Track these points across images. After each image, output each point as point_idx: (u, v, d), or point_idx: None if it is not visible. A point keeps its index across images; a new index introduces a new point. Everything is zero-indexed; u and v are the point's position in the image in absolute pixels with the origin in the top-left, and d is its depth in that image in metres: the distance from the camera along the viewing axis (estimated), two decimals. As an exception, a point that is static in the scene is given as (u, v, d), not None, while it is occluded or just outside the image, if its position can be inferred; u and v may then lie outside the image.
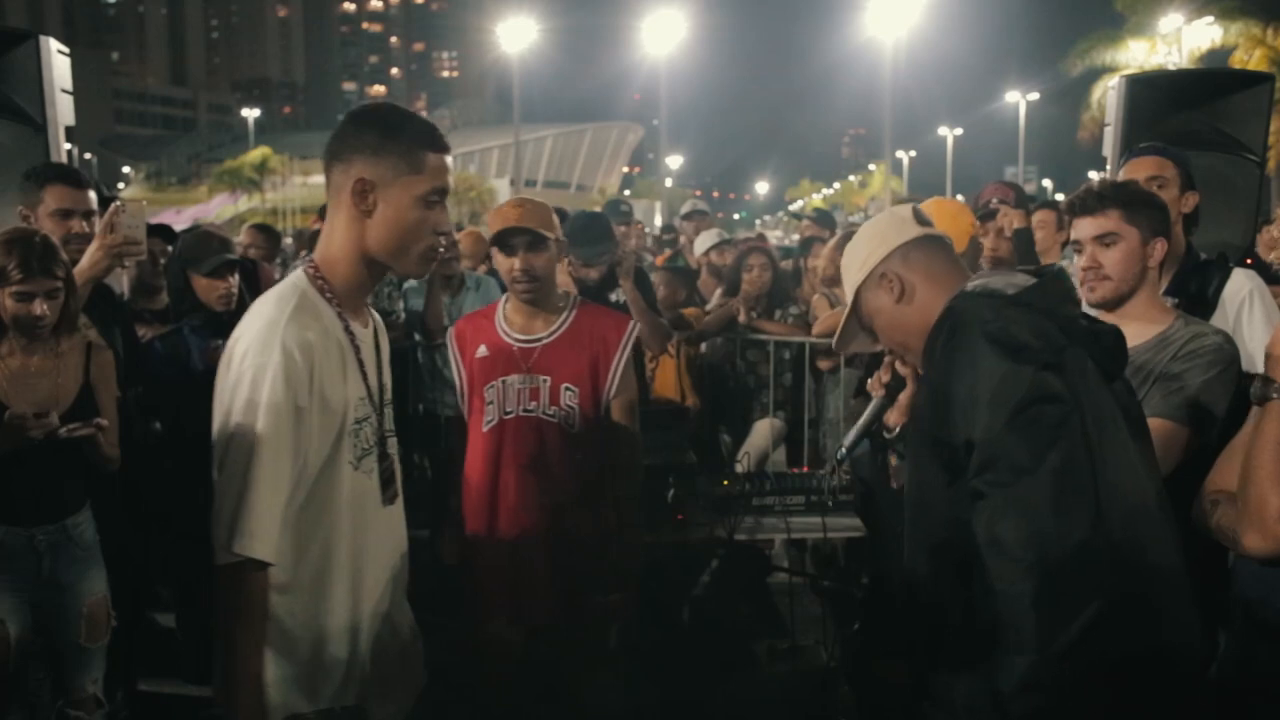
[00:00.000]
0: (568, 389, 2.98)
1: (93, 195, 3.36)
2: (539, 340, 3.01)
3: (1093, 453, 1.71)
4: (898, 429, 2.20)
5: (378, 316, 2.15)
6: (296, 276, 1.96)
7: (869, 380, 2.25)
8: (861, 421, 2.26)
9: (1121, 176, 3.03)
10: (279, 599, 1.92)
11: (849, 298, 2.09)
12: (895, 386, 2.18)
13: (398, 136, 1.90)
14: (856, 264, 2.07)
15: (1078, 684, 1.65)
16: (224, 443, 1.85)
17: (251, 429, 1.82)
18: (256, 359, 1.83)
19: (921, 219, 2.06)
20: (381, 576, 2.08)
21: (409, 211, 1.90)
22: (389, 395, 2.11)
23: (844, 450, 2.32)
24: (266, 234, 6.70)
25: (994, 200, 4.18)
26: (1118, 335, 1.90)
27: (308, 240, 7.41)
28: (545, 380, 2.98)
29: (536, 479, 2.96)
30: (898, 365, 2.18)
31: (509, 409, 2.98)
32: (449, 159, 1.96)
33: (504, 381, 2.98)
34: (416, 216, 1.91)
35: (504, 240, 2.97)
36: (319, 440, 1.90)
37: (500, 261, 3.02)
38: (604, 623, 3.14)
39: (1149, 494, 1.83)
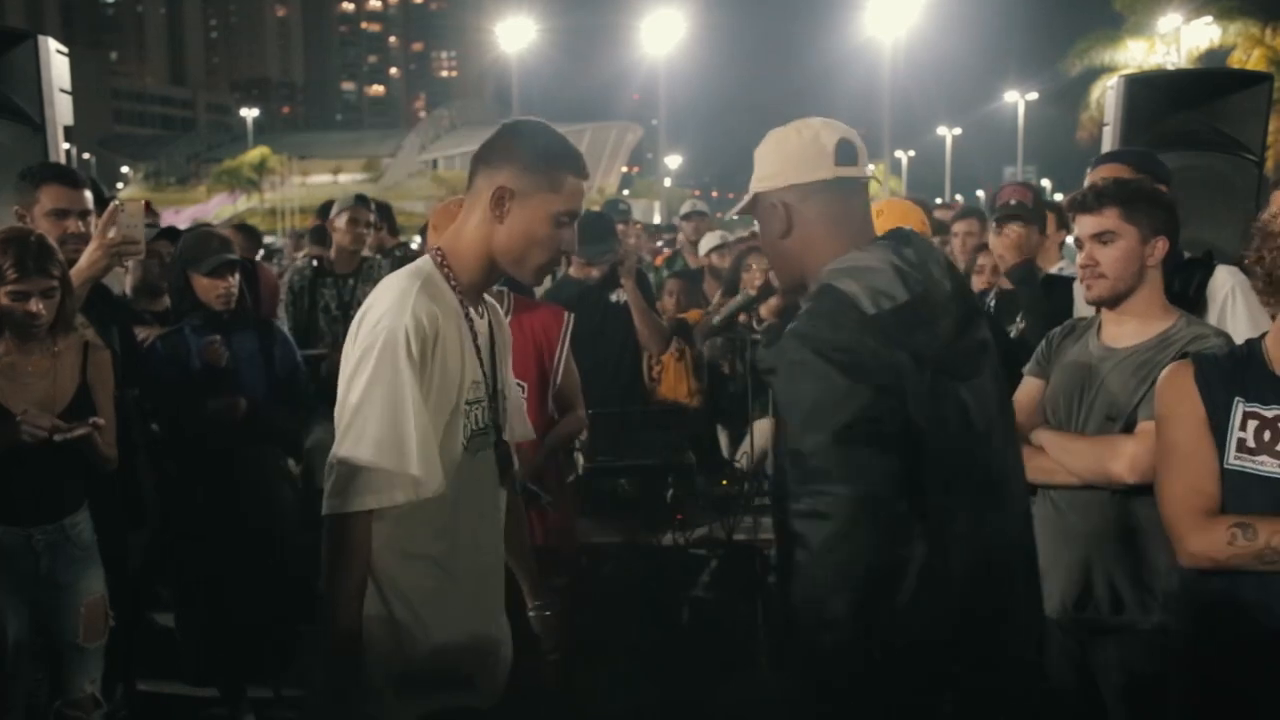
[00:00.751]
0: (517, 384, 2.99)
1: (88, 195, 3.35)
2: None
3: (926, 472, 1.71)
4: (767, 323, 2.22)
5: (499, 309, 2.26)
6: (423, 261, 2.09)
7: (744, 275, 2.27)
8: (726, 310, 2.32)
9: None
10: (403, 567, 2.03)
11: (749, 193, 2.01)
12: (766, 291, 2.18)
13: (545, 155, 2.03)
14: (759, 173, 1.96)
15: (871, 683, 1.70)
16: (354, 399, 1.95)
17: (384, 387, 1.93)
18: (392, 321, 1.94)
19: (844, 156, 1.90)
20: (490, 561, 2.18)
21: (540, 226, 2.02)
22: (503, 386, 2.22)
23: (716, 323, 2.38)
24: (246, 234, 6.76)
25: (1013, 200, 4.13)
26: (982, 344, 1.88)
27: (310, 237, 7.42)
28: None
29: None
30: (771, 276, 2.17)
31: None
32: (584, 184, 2.08)
33: None
34: (546, 232, 2.03)
35: None
36: (436, 408, 2.00)
37: None
38: (557, 610, 3.13)
39: (1002, 503, 1.85)
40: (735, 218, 2.24)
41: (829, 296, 1.78)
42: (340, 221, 5.25)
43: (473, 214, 2.06)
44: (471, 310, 2.10)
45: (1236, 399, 2.10)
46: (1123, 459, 2.36)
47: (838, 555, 1.66)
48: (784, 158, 1.93)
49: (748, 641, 4.28)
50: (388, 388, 1.94)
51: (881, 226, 3.11)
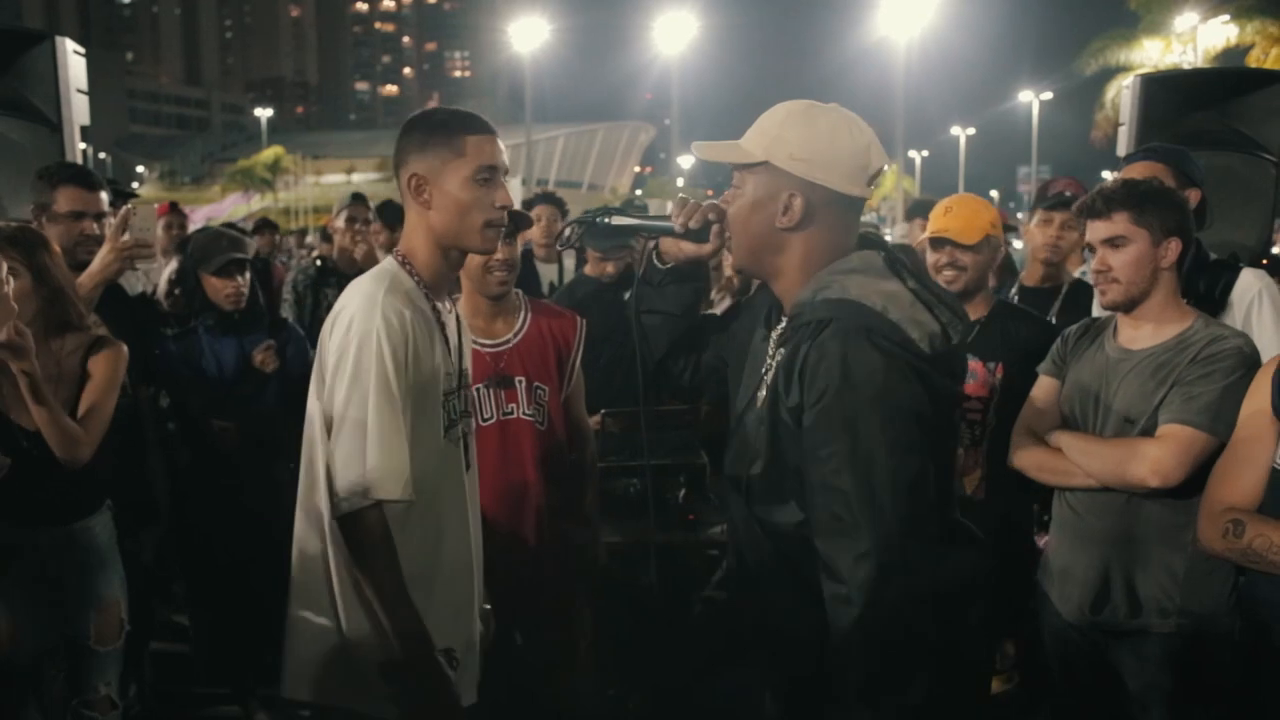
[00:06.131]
0: (539, 388, 2.99)
1: (104, 196, 3.35)
2: (506, 343, 3.00)
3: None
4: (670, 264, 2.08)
5: (459, 310, 2.31)
6: (388, 262, 2.15)
7: (674, 210, 2.06)
8: (647, 222, 2.16)
9: None
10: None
11: (748, 150, 1.83)
12: (697, 233, 1.99)
13: (438, 129, 2.08)
14: (789, 147, 1.79)
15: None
16: (338, 403, 2.01)
17: (366, 386, 1.99)
18: (363, 325, 2.00)
19: (873, 181, 1.82)
20: (466, 541, 2.21)
21: (460, 193, 2.07)
22: (468, 380, 2.31)
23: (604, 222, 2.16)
24: (266, 231, 6.83)
25: (1067, 193, 4.19)
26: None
27: (320, 236, 7.48)
28: (520, 381, 2.98)
29: (517, 481, 2.96)
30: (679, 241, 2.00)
31: (487, 415, 2.95)
32: (492, 138, 2.10)
33: (478, 389, 2.92)
34: (468, 196, 2.07)
35: None
36: (415, 404, 2.05)
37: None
38: (579, 621, 3.15)
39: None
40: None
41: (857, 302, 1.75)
42: (339, 221, 5.25)
43: (409, 213, 2.14)
44: (439, 305, 2.16)
45: None
46: (1144, 462, 2.33)
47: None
48: (831, 154, 1.80)
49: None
50: (371, 388, 1.98)
51: (950, 224, 3.08)
